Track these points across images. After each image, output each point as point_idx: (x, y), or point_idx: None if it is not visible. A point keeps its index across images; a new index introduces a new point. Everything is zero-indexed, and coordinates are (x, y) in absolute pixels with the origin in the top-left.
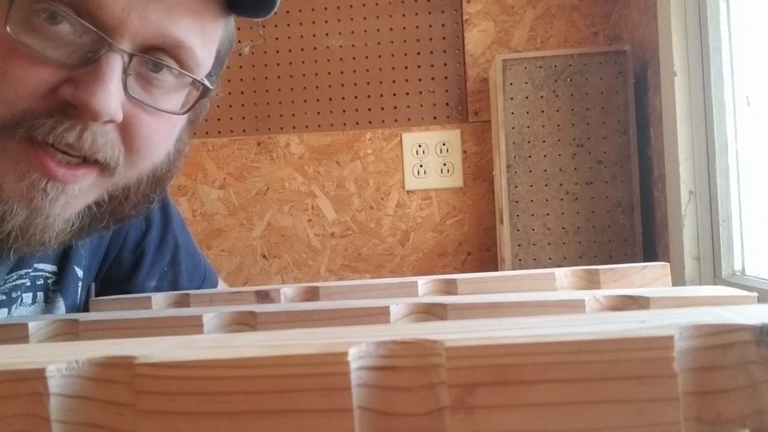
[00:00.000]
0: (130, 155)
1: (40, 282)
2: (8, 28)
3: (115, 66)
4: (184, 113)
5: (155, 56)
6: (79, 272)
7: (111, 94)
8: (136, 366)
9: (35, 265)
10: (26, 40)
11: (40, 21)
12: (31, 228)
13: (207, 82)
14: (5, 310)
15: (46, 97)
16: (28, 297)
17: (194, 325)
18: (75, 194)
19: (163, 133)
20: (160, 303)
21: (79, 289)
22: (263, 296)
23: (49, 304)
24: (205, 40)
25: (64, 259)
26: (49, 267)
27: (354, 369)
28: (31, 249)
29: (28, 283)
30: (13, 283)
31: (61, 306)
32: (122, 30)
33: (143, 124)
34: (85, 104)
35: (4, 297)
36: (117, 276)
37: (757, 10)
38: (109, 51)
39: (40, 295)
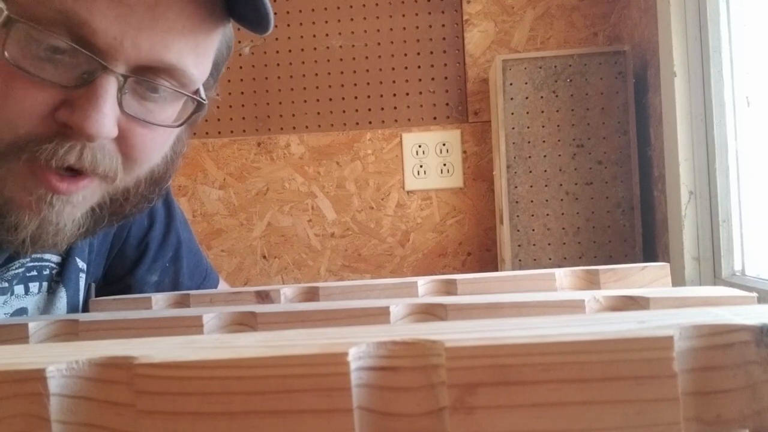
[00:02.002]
0: (128, 163)
1: (46, 272)
2: (6, 54)
3: (109, 88)
4: (178, 126)
5: (150, 76)
6: (81, 263)
7: (105, 117)
8: (136, 366)
9: (42, 255)
10: (24, 65)
11: (36, 46)
12: (43, 235)
13: (202, 96)
14: (8, 296)
15: (46, 120)
16: (35, 286)
17: (194, 326)
18: (80, 201)
19: (159, 142)
20: (160, 303)
21: (81, 280)
22: (263, 296)
23: (51, 294)
24: (199, 58)
25: (66, 250)
26: (55, 258)
27: (354, 369)
28: (44, 251)
29: (35, 273)
30: (15, 272)
31: (62, 296)
32: (116, 54)
33: (139, 136)
34: (81, 127)
35: (6, 284)
36: (120, 270)
37: (757, 10)
38: (104, 73)
39: (44, 285)
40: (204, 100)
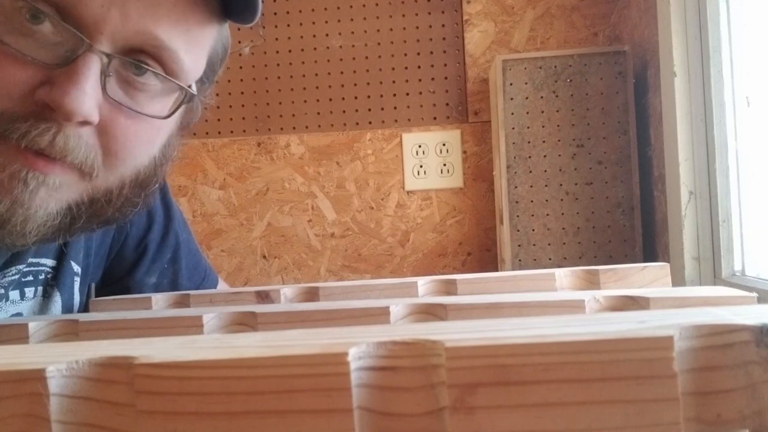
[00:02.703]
0: (109, 159)
1: (42, 276)
2: None
3: (91, 66)
4: (165, 117)
5: (137, 58)
6: (75, 267)
7: (85, 95)
8: (136, 366)
9: (38, 260)
10: (6, 39)
11: (20, 20)
12: (13, 218)
13: (192, 88)
14: (3, 302)
15: (24, 99)
16: (30, 291)
17: (194, 326)
18: (55, 186)
19: (144, 137)
20: (160, 303)
21: (75, 284)
22: (263, 297)
23: (46, 299)
24: (190, 44)
25: (61, 253)
26: (50, 262)
27: (354, 369)
28: (12, 240)
29: (31, 278)
30: (11, 278)
31: (57, 300)
32: (102, 27)
33: (122, 127)
34: (59, 104)
35: (2, 291)
36: (118, 271)
37: (757, 10)
38: (87, 52)
39: (39, 289)
40: (194, 92)
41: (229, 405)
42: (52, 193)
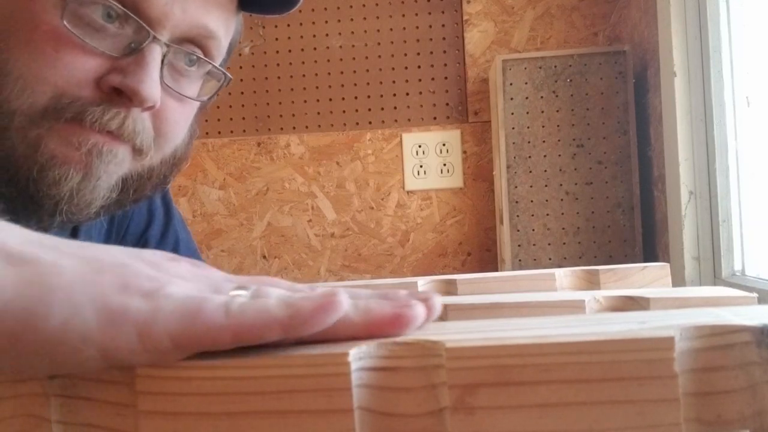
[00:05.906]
0: (158, 139)
1: None
2: (65, 21)
3: (156, 56)
4: (207, 101)
5: (188, 47)
6: None
7: (155, 82)
8: (137, 366)
9: None
10: (78, 32)
11: (90, 14)
12: (83, 190)
13: (225, 71)
14: None
15: (92, 86)
16: None
17: None
18: (119, 162)
19: (186, 118)
20: None
21: None
22: None
23: None
24: (227, 31)
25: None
26: None
27: (354, 370)
28: (77, 211)
29: None
30: None
31: None
32: (164, 22)
33: (171, 110)
34: (134, 91)
35: None
36: None
37: (757, 10)
38: (152, 42)
39: None
40: (231, 76)
41: (229, 405)
42: (115, 168)
